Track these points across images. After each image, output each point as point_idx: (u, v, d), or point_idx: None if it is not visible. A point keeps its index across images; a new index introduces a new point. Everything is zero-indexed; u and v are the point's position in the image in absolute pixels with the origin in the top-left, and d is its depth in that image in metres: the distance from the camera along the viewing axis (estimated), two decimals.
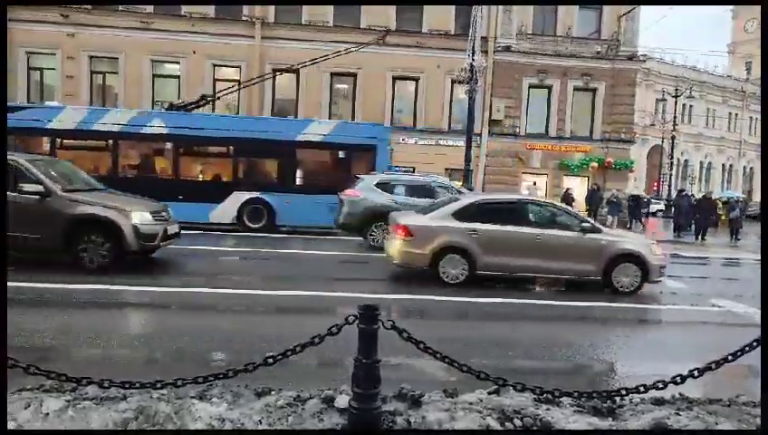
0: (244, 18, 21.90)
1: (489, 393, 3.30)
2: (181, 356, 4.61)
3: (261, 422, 2.82)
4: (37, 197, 7.32)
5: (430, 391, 3.30)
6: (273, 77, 21.27)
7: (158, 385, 2.79)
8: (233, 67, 22.31)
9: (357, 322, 2.74)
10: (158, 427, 2.75)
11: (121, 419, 2.77)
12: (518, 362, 4.87)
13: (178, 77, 22.13)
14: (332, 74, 22.46)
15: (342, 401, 3.00)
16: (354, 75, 22.44)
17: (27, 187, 7.31)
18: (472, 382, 3.09)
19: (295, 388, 3.30)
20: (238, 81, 22.23)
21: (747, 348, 2.95)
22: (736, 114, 55.57)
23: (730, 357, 2.96)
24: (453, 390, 3.35)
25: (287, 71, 19.30)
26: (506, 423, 2.89)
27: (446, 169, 22.58)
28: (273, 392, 3.23)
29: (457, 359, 2.92)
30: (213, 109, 22.27)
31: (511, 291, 7.93)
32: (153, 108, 22.10)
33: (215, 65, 22.15)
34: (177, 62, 22.04)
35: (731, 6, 64.84)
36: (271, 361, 2.81)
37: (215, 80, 22.27)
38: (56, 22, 21.00)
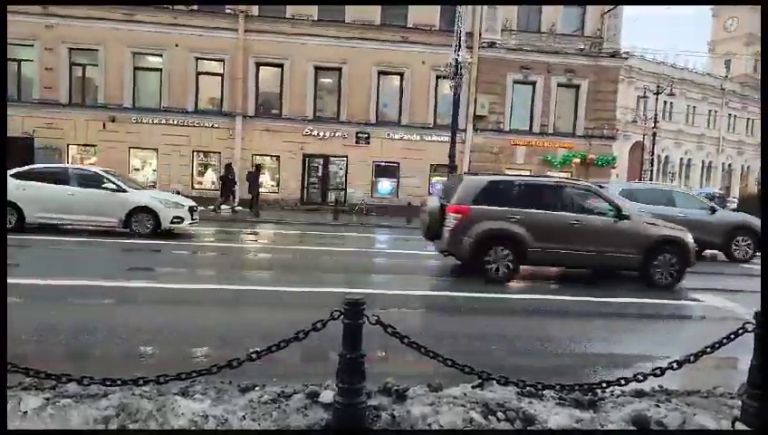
0: (227, 11, 21.65)
1: (473, 387, 3.33)
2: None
3: (245, 418, 2.81)
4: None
5: (415, 386, 3.31)
6: (257, 70, 21.12)
7: (141, 382, 2.76)
8: (216, 61, 22.04)
9: (342, 317, 2.74)
10: (140, 424, 2.72)
11: (102, 416, 2.74)
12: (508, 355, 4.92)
13: (160, 70, 21.81)
14: (317, 68, 22.33)
15: (327, 396, 3.00)
16: (339, 69, 22.33)
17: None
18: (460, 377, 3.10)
19: (281, 384, 3.29)
20: (221, 74, 22.05)
21: (725, 340, 3.01)
22: (715, 112, 56.47)
23: (708, 350, 3.01)
24: (437, 384, 3.37)
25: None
26: (490, 417, 2.91)
27: (432, 165, 22.67)
28: (257, 388, 3.22)
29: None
30: (196, 104, 22.09)
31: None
32: (134, 102, 21.83)
33: (197, 58, 21.86)
34: (160, 55, 21.72)
35: (711, 5, 65.74)
36: (255, 356, 2.80)
37: (197, 73, 22.01)
38: (35, 13, 20.54)
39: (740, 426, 2.94)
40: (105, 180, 11.84)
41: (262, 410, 2.93)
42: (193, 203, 12.95)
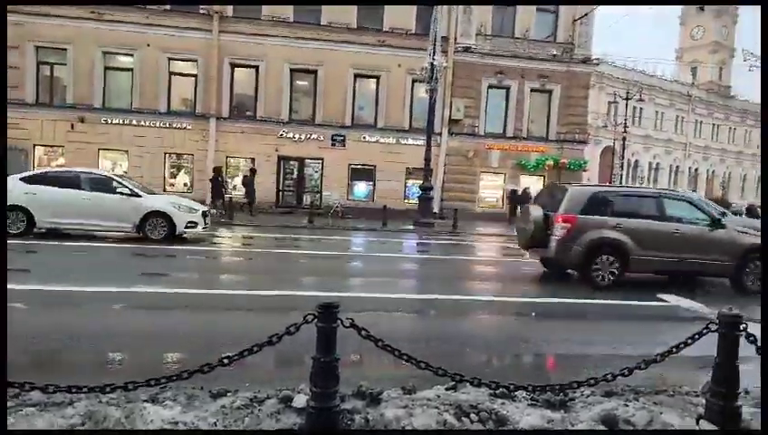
0: (201, 11, 21.39)
1: (447, 389, 3.35)
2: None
3: (216, 424, 2.77)
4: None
5: (389, 389, 3.32)
6: (232, 71, 20.93)
7: (108, 389, 2.69)
8: (189, 61, 21.74)
9: (315, 321, 2.72)
10: None
11: (68, 424, 2.66)
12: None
13: (131, 70, 21.40)
14: (293, 70, 22.23)
15: (300, 400, 2.98)
16: (315, 72, 22.27)
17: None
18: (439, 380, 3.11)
19: (255, 389, 3.26)
20: (195, 75, 21.75)
21: (690, 340, 3.10)
22: (682, 117, 58.08)
23: (674, 349, 3.09)
24: (411, 386, 3.38)
25: None
26: (463, 418, 2.93)
27: (407, 168, 22.77)
28: (229, 394, 3.18)
29: None
30: (168, 105, 21.73)
31: None
32: (104, 102, 21.35)
33: (170, 59, 21.54)
34: (131, 55, 21.33)
35: (679, 13, 67.72)
36: (227, 361, 2.76)
37: (170, 73, 21.68)
38: None
39: (704, 423, 3.02)
40: (118, 185, 11.73)
41: (234, 416, 2.89)
42: (205, 208, 12.95)
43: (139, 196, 11.69)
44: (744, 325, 3.02)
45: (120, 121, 21.31)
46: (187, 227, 11.76)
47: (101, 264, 9.04)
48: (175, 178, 22.25)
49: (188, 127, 21.73)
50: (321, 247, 12.77)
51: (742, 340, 3.00)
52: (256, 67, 21.99)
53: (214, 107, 21.65)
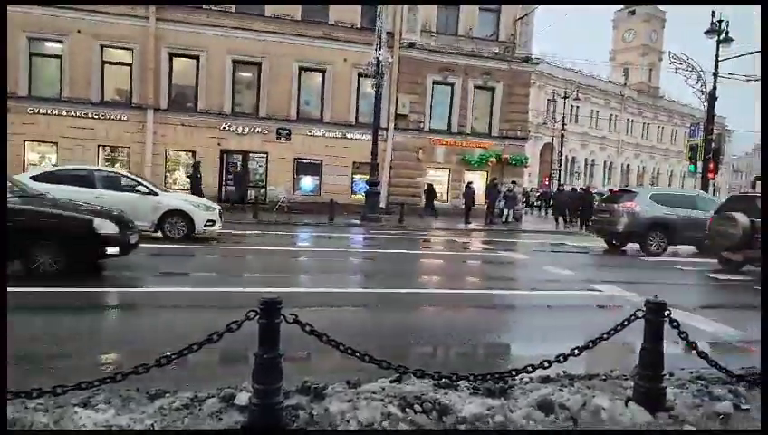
0: None
1: (391, 381, 3.38)
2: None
3: (153, 426, 2.68)
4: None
5: (334, 383, 3.31)
6: (170, 61, 20.13)
7: (35, 394, 2.54)
8: (124, 49, 20.73)
9: (257, 317, 2.67)
10: None
11: None
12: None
13: (60, 57, 20.17)
14: (235, 62, 21.66)
15: (243, 398, 2.93)
16: (259, 64, 21.79)
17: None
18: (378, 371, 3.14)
19: (195, 388, 3.16)
20: (130, 64, 20.79)
21: (619, 327, 3.27)
22: (615, 116, 61.07)
23: (605, 336, 3.25)
24: (356, 380, 3.39)
25: None
26: (407, 409, 2.97)
27: (354, 163, 22.73)
28: (168, 395, 3.07)
29: None
30: (101, 95, 20.65)
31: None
32: (30, 90, 20.04)
33: (103, 46, 20.44)
34: (60, 41, 20.08)
35: (612, 16, 70.98)
36: (164, 361, 2.67)
37: (103, 62, 20.60)
38: None
39: (632, 405, 3.20)
40: (135, 183, 11.62)
41: (173, 417, 2.80)
42: (220, 207, 12.92)
43: (157, 194, 11.57)
44: (668, 311, 3.22)
45: (49, 112, 20.06)
46: (205, 226, 11.59)
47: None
48: None
49: (124, 118, 20.75)
50: (266, 243, 12.56)
51: (667, 326, 3.20)
52: (197, 57, 21.27)
53: (151, 98, 20.77)
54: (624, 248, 14.63)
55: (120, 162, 21.19)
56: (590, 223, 15.53)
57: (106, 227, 7.10)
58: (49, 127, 20.11)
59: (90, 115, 20.42)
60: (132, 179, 11.80)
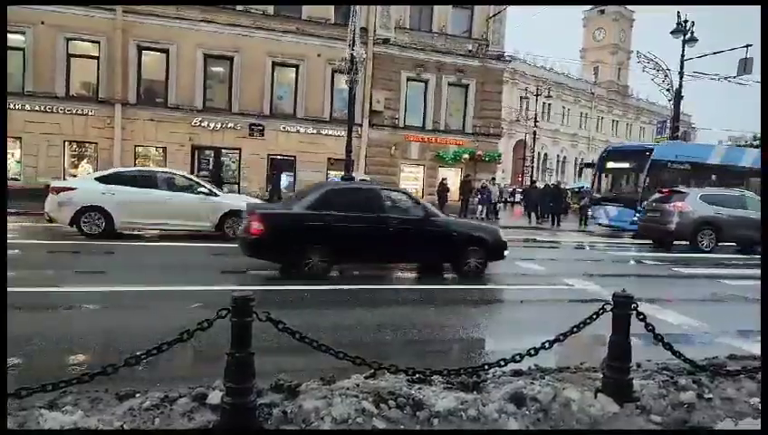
0: None
1: (366, 377, 3.38)
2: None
3: (123, 427, 2.62)
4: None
5: (308, 380, 3.30)
6: (139, 55, 19.61)
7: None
8: (91, 42, 20.14)
9: (229, 315, 2.65)
10: None
11: None
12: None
13: (23, 50, 19.47)
14: (207, 56, 21.27)
15: (215, 397, 2.89)
16: (231, 59, 21.46)
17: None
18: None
19: (166, 388, 3.11)
20: (97, 57, 20.22)
21: (589, 320, 3.34)
22: (586, 114, 62.19)
23: (575, 329, 3.32)
24: (330, 377, 3.38)
25: None
26: (381, 405, 2.98)
27: (329, 159, 22.62)
28: (138, 395, 3.02)
29: None
30: (67, 89, 20.05)
31: None
32: None
33: (68, 39, 19.82)
34: (22, 33, 19.36)
35: (583, 15, 72.20)
36: (133, 361, 2.62)
37: (69, 55, 19.98)
38: None
39: (601, 396, 3.28)
40: (197, 184, 11.92)
41: (143, 417, 2.75)
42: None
43: (217, 195, 11.86)
44: (635, 305, 3.31)
45: (11, 106, 19.34)
46: None
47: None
48: (77, 168, 20.59)
49: (91, 113, 20.17)
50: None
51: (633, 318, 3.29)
52: (166, 51, 20.81)
53: (119, 92, 20.24)
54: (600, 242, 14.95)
55: (87, 158, 20.62)
56: (641, 222, 15.54)
57: None
58: (11, 121, 19.40)
59: (55, 110, 19.79)
60: (196, 182, 12.13)
